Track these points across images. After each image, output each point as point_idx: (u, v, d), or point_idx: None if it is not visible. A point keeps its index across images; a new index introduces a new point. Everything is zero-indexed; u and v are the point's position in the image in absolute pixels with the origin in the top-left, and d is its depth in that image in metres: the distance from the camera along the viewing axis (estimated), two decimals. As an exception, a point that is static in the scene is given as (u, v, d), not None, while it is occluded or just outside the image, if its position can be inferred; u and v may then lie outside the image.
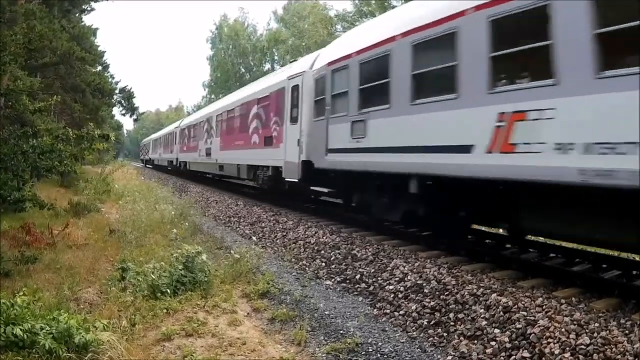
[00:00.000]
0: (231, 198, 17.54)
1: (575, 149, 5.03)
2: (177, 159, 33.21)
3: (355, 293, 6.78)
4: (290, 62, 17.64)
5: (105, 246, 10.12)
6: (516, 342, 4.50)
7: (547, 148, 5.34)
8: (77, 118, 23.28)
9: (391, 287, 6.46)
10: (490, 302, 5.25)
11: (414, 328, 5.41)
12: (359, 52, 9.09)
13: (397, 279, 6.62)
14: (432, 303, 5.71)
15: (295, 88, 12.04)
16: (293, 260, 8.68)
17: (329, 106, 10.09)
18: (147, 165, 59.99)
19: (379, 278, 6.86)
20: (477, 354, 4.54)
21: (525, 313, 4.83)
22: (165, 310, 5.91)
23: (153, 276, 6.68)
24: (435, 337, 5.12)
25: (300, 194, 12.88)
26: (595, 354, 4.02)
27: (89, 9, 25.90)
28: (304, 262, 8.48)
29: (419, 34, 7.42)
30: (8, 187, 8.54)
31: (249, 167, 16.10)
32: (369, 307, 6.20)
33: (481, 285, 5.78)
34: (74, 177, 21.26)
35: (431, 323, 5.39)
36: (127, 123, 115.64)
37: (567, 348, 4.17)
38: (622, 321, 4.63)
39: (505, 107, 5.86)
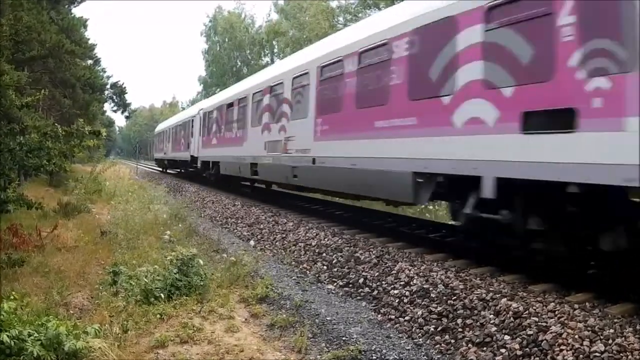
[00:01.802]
0: (228, 198, 17.56)
1: None
2: None
3: (359, 298, 6.78)
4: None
5: (96, 249, 10.12)
6: (527, 349, 4.50)
7: None
8: (67, 114, 23.31)
9: (396, 291, 6.46)
10: (500, 307, 5.25)
11: (420, 334, 5.42)
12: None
13: (402, 283, 6.63)
14: (439, 308, 5.71)
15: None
16: (293, 263, 8.68)
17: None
18: (169, 171, 38.04)
19: (384, 282, 6.86)
20: (487, 362, 4.54)
21: (536, 319, 4.82)
22: (159, 316, 5.92)
23: (146, 280, 6.68)
24: (443, 344, 5.12)
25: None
26: (610, 362, 4.01)
27: (79, 0, 25.91)
28: (305, 265, 8.48)
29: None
30: (-6, 187, 8.55)
31: None
32: (373, 313, 6.20)
33: (490, 289, 5.77)
34: (63, 176, 21.29)
35: (438, 329, 5.39)
36: (119, 120, 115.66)
37: (581, 355, 4.17)
38: (639, 327, 4.62)
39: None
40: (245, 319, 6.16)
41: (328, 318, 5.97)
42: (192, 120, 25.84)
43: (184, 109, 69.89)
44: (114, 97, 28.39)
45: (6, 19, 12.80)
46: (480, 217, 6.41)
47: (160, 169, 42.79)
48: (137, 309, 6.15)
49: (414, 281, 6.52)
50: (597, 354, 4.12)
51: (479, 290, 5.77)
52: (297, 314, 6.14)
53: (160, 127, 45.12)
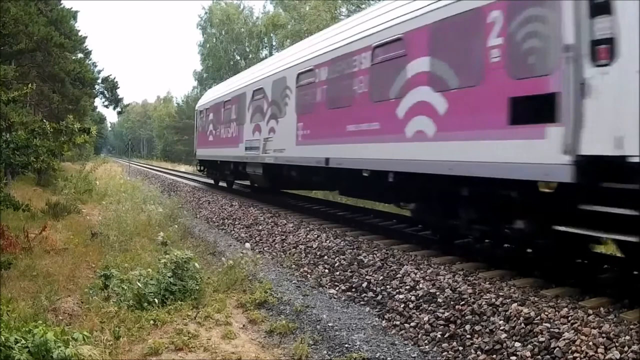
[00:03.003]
0: (225, 198, 17.57)
1: None
2: None
3: (362, 303, 6.78)
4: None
5: (86, 251, 10.13)
6: (539, 356, 4.50)
7: None
8: (56, 110, 23.30)
9: (401, 296, 6.46)
10: (511, 312, 5.24)
11: (426, 341, 5.42)
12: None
13: (407, 287, 6.63)
14: (446, 314, 5.71)
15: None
16: (293, 266, 8.69)
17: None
18: (224, 181, 21.47)
19: (388, 286, 6.86)
20: (496, 370, 4.53)
21: (549, 325, 4.82)
22: (152, 322, 5.92)
23: (139, 284, 6.68)
24: (450, 352, 5.11)
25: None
26: (626, 370, 4.00)
27: (68, -10, 25.93)
28: (306, 268, 8.49)
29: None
30: (-20, 187, 8.56)
31: None
32: (377, 319, 6.20)
33: (500, 294, 5.77)
34: (52, 174, 21.29)
35: (445, 336, 5.39)
36: (111, 116, 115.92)
37: (596, 364, 4.16)
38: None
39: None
40: (243, 325, 6.17)
41: (330, 324, 5.97)
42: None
43: (179, 104, 69.72)
44: (106, 92, 28.37)
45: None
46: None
47: (213, 182, 23.03)
48: (130, 314, 6.15)
49: (420, 285, 6.52)
50: (612, 362, 4.11)
51: (488, 294, 5.77)
52: (297, 320, 6.15)
53: (239, 80, 18.98)
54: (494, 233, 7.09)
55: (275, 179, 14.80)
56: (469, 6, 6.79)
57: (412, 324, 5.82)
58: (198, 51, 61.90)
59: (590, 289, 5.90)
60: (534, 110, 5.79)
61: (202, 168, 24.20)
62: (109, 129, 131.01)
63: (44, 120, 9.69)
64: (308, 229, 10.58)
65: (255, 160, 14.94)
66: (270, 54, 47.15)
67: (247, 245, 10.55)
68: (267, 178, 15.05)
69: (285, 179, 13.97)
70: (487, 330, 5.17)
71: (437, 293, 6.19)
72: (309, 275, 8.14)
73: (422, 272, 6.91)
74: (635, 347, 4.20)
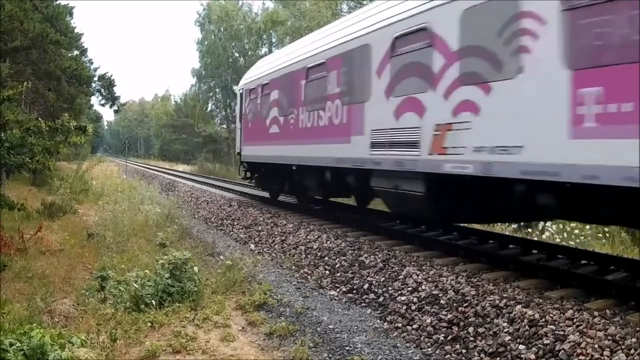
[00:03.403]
0: (224, 199, 17.57)
1: None
2: None
3: (363, 304, 6.78)
4: None
5: (82, 252, 10.14)
6: (544, 359, 4.49)
7: None
8: (51, 108, 23.27)
9: (403, 297, 6.46)
10: (515, 314, 5.24)
11: (429, 344, 5.41)
12: None
13: (409, 288, 6.62)
14: (449, 316, 5.70)
15: None
16: (293, 267, 8.69)
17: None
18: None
19: (390, 288, 6.85)
20: (500, 373, 4.52)
21: (553, 327, 4.81)
22: (149, 324, 5.92)
23: (136, 286, 6.69)
24: (453, 354, 5.11)
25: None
26: (633, 374, 3.99)
27: (64, -14, 25.88)
28: (306, 269, 8.48)
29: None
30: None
31: None
32: (379, 321, 6.20)
33: (504, 295, 5.76)
34: (47, 174, 21.29)
35: (448, 338, 5.38)
36: (108, 114, 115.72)
37: (602, 367, 4.15)
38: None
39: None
40: (242, 328, 6.17)
41: (330, 326, 5.97)
42: None
43: (176, 103, 69.69)
44: (102, 90, 28.35)
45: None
46: None
47: (269, 195, 15.92)
48: (127, 316, 6.15)
49: (423, 287, 6.51)
50: (618, 365, 4.10)
51: (492, 296, 5.76)
52: (297, 322, 6.14)
53: (342, 27, 10.41)
54: None
55: (458, 203, 7.68)
56: None
57: (415, 326, 5.81)
58: (196, 48, 61.86)
59: (595, 290, 5.90)
60: None
61: (249, 174, 16.37)
62: (106, 127, 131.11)
63: (39, 119, 9.69)
64: (308, 229, 10.58)
65: (405, 167, 7.87)
66: (270, 51, 47.02)
67: (252, 247, 10.50)
68: (437, 201, 7.79)
69: (492, 205, 7.28)
70: (491, 332, 5.16)
71: (440, 295, 6.18)
72: (309, 277, 8.14)
73: (424, 273, 6.91)
74: (641, 350, 4.20)
